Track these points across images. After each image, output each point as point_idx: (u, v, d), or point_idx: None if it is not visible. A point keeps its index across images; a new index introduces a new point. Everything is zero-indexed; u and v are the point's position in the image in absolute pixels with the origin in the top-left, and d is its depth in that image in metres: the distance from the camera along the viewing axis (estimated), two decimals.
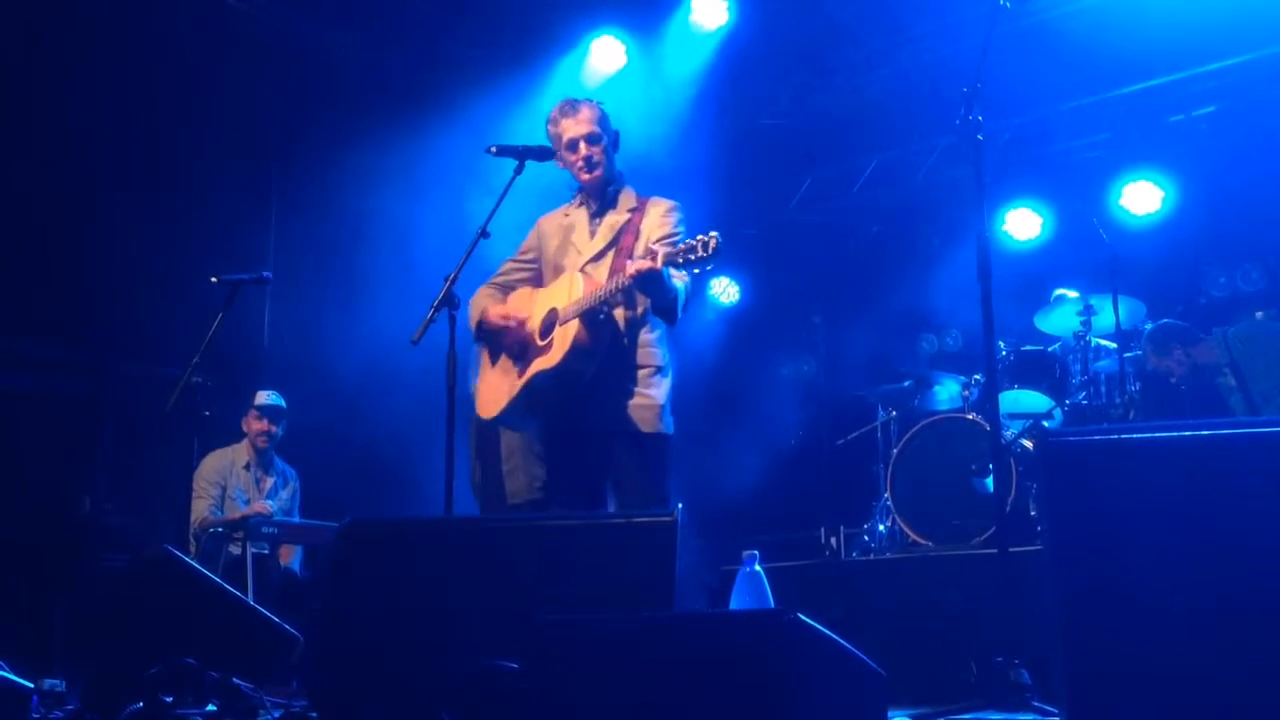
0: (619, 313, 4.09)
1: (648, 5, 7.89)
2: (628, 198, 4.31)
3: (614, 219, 4.25)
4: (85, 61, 6.62)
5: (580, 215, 4.35)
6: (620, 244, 4.18)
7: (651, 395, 4.08)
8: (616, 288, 3.91)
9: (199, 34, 6.98)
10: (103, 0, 6.70)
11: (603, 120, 4.32)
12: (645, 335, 4.13)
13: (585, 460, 4.12)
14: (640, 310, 4.10)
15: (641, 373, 4.10)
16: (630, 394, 4.06)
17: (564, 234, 4.34)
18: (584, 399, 4.05)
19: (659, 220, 4.20)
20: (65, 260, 6.61)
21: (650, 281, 3.81)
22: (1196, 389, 6.12)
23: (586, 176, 4.29)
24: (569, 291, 4.06)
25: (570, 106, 4.35)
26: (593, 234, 4.28)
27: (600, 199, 4.32)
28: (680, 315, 4.02)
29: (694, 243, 3.63)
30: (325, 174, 7.57)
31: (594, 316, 4.00)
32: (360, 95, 7.78)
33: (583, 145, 4.28)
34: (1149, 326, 6.31)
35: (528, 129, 7.26)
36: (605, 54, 7.94)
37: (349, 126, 7.60)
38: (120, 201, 6.81)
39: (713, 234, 3.60)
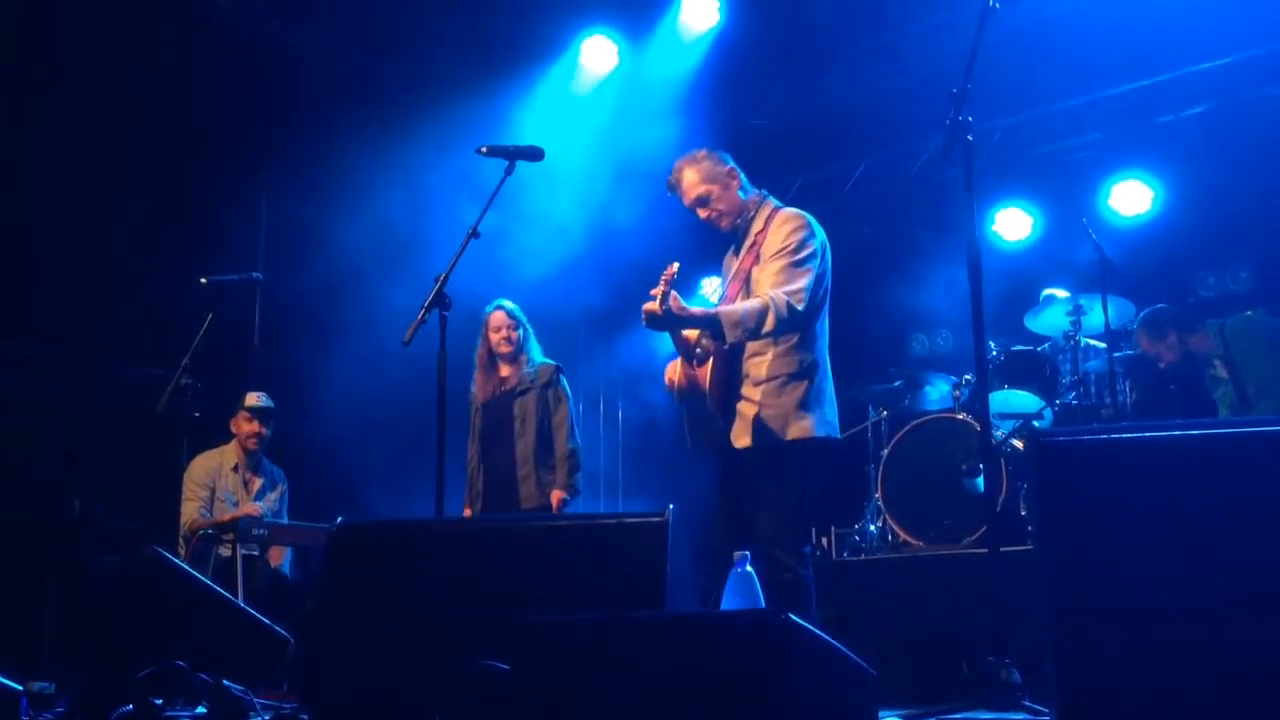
0: (712, 343, 4.10)
1: (638, 6, 7.89)
2: (760, 219, 4.28)
3: (745, 246, 4.28)
4: (77, 63, 6.60)
5: (733, 246, 4.43)
6: (740, 269, 4.22)
7: (779, 405, 4.04)
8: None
9: (191, 37, 6.96)
10: (97, 2, 6.68)
11: (707, 174, 4.27)
12: (767, 349, 4.09)
13: (732, 480, 4.15)
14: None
15: (765, 386, 4.06)
16: (751, 406, 4.07)
17: (729, 267, 4.42)
18: (722, 424, 4.11)
19: (773, 236, 4.17)
20: (54, 261, 6.59)
21: (654, 322, 3.87)
22: (1185, 378, 6.09)
23: (721, 230, 4.35)
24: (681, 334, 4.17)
25: (674, 179, 4.33)
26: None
27: (736, 234, 4.34)
28: (755, 334, 3.95)
29: (666, 275, 3.81)
30: (315, 175, 7.55)
31: (690, 353, 4.11)
32: (351, 96, 7.77)
33: (698, 212, 4.31)
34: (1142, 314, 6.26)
35: (519, 129, 7.29)
36: (596, 54, 7.94)
37: (339, 128, 7.59)
38: (111, 203, 6.78)
39: (672, 265, 3.82)
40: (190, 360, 5.64)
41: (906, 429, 6.43)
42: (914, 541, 6.14)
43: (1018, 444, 6.10)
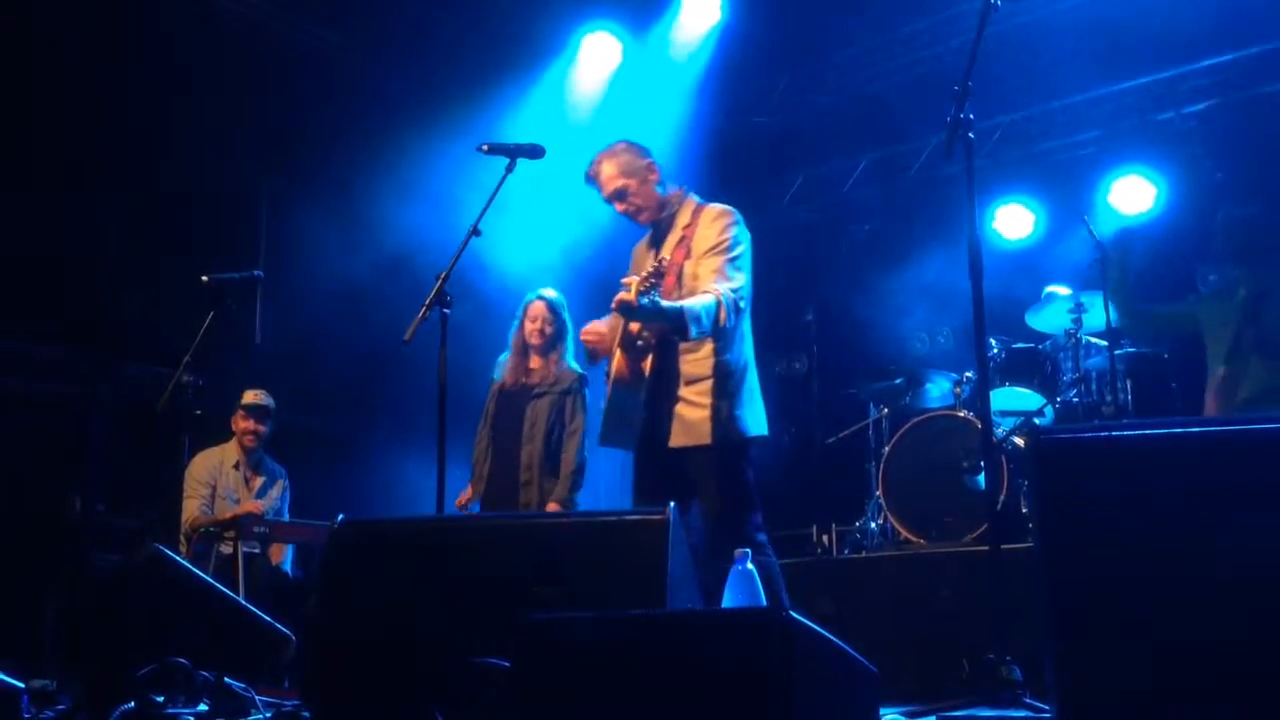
0: (656, 335, 4.11)
1: (641, 3, 7.89)
2: (684, 214, 4.30)
3: (672, 240, 4.27)
4: (76, 60, 6.60)
5: (650, 239, 4.43)
6: (672, 264, 4.18)
7: (713, 405, 4.07)
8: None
9: (192, 34, 6.96)
10: (98, 0, 6.68)
11: (625, 167, 4.28)
12: (701, 348, 4.11)
13: (661, 479, 4.14)
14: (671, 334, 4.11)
15: (701, 385, 4.10)
16: (689, 408, 4.09)
17: (642, 260, 4.37)
18: (651, 420, 4.13)
19: (705, 231, 4.20)
20: (55, 259, 6.59)
21: (628, 312, 3.87)
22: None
23: (638, 223, 4.38)
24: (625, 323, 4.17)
25: (593, 171, 4.33)
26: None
27: (658, 226, 4.36)
28: (708, 329, 3.98)
29: (655, 267, 3.82)
30: (316, 172, 7.55)
31: (632, 343, 4.11)
32: (352, 94, 7.77)
33: (616, 205, 4.33)
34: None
35: (521, 127, 7.29)
36: (598, 51, 7.94)
37: (340, 125, 7.59)
38: (112, 200, 6.79)
39: (663, 258, 3.87)
40: (192, 358, 5.64)
41: (908, 426, 6.43)
42: (915, 539, 6.13)
43: (1019, 441, 6.10)
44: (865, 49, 8.36)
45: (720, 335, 4.08)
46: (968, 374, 6.62)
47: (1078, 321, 6.26)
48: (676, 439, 4.09)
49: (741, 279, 4.13)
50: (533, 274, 6.72)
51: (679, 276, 4.16)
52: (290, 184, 7.69)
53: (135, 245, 6.84)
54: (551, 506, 5.76)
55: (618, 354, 4.18)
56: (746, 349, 4.23)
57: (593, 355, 4.51)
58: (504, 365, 5.99)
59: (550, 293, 5.97)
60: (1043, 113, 8.08)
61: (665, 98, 7.86)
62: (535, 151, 4.50)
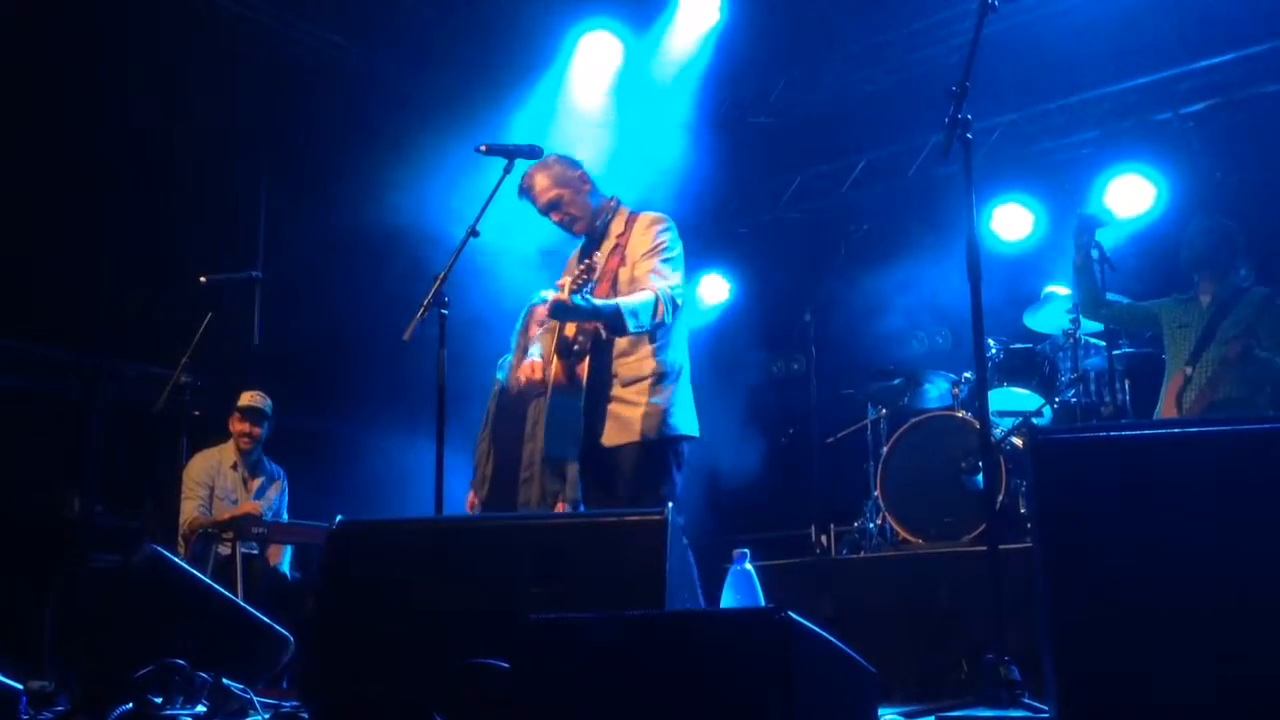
0: (597, 339, 4.19)
1: (640, 4, 7.89)
2: (618, 222, 4.38)
3: (606, 247, 4.33)
4: (78, 61, 6.60)
5: (582, 250, 4.47)
6: (606, 270, 4.25)
7: (652, 403, 4.14)
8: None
9: (192, 34, 6.97)
10: (98, 1, 6.68)
11: (558, 179, 4.34)
12: (638, 349, 4.19)
13: (603, 477, 4.22)
14: (608, 332, 4.16)
15: (638, 385, 4.17)
16: (624, 406, 4.16)
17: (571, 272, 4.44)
18: (591, 422, 4.18)
19: (639, 238, 4.28)
20: (55, 260, 6.59)
21: (562, 311, 3.93)
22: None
23: (573, 234, 4.43)
24: (560, 328, 4.25)
25: (526, 184, 4.39)
26: None
27: (592, 235, 4.41)
28: (646, 324, 4.05)
29: (586, 265, 3.89)
30: (315, 173, 7.55)
31: (568, 349, 4.18)
32: (351, 94, 7.77)
33: (551, 216, 4.39)
34: None
35: (520, 127, 7.28)
36: (597, 52, 7.94)
37: (339, 126, 7.59)
38: (111, 201, 6.79)
39: (596, 257, 3.96)
40: (190, 359, 5.64)
41: (906, 427, 6.43)
42: (913, 539, 6.14)
43: (1017, 441, 6.10)
44: (863, 49, 8.37)
45: (657, 334, 4.16)
46: (966, 374, 6.62)
47: (1076, 322, 6.25)
48: (611, 437, 4.16)
49: (678, 279, 4.20)
50: (530, 273, 6.72)
51: (614, 283, 4.23)
52: (290, 184, 7.69)
53: (135, 245, 6.84)
54: (560, 508, 5.74)
55: (555, 361, 4.23)
56: (682, 350, 4.31)
57: (521, 393, 4.59)
58: (507, 367, 5.97)
59: None
60: (1041, 113, 8.08)
61: (664, 98, 7.86)
62: (533, 152, 4.50)
